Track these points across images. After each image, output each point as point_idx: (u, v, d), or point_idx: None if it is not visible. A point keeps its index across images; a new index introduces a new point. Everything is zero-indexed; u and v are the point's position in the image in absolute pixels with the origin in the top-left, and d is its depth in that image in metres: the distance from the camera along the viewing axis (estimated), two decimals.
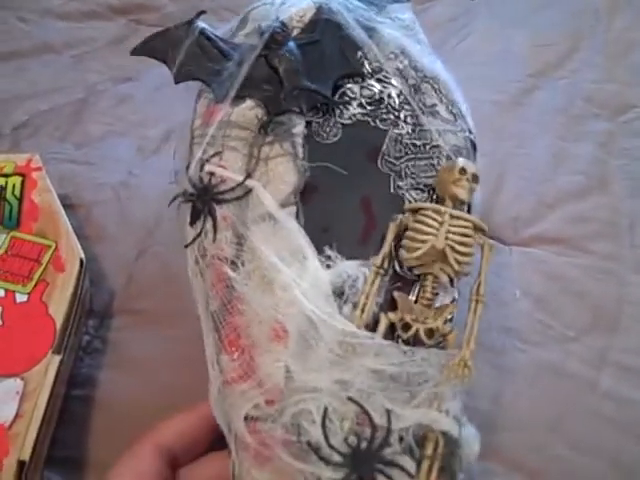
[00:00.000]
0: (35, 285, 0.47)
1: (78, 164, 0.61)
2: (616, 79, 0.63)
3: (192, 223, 0.41)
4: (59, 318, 0.45)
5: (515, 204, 0.57)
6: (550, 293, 0.53)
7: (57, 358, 0.44)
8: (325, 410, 0.34)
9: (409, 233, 0.38)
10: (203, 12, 0.45)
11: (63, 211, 0.50)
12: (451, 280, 0.39)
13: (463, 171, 0.39)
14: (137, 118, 0.64)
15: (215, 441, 0.41)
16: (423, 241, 0.37)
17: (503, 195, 0.57)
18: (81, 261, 0.48)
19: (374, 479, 0.34)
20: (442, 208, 0.38)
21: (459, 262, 0.38)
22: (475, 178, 0.39)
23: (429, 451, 0.35)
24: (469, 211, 0.41)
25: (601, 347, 0.50)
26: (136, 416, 0.44)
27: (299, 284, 0.37)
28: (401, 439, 0.35)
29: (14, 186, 0.51)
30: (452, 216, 0.38)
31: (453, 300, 0.39)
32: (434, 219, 0.38)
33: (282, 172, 0.40)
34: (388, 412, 0.35)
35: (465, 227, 0.38)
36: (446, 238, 0.38)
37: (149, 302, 0.54)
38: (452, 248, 0.37)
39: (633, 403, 0.48)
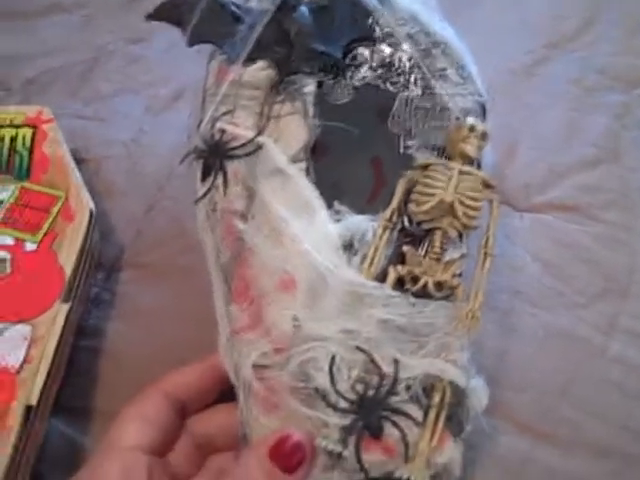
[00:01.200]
0: (45, 234, 0.48)
1: (88, 120, 0.63)
2: (632, 52, 0.64)
3: (203, 179, 0.42)
4: (68, 267, 0.47)
5: (527, 172, 0.58)
6: (561, 259, 0.53)
7: (65, 306, 0.46)
8: (333, 358, 0.36)
9: (418, 187, 0.39)
10: None
11: (73, 163, 0.52)
12: (460, 235, 0.40)
13: (472, 129, 0.40)
14: (148, 78, 0.65)
15: (223, 393, 0.42)
16: (432, 195, 0.38)
17: (515, 163, 0.58)
18: (90, 212, 0.49)
19: (381, 426, 0.35)
20: (451, 163, 0.39)
21: (468, 216, 0.39)
22: (484, 136, 0.40)
23: (436, 400, 0.36)
24: (479, 168, 0.42)
25: (611, 313, 0.51)
26: (143, 368, 0.46)
27: (308, 236, 0.38)
28: (408, 388, 0.36)
29: (24, 137, 0.52)
30: (461, 171, 0.39)
31: (462, 256, 0.40)
32: (443, 173, 0.39)
33: (293, 129, 0.42)
34: (396, 361, 0.36)
35: (474, 182, 0.39)
36: (455, 192, 0.38)
37: (157, 256, 0.55)
38: (461, 202, 0.38)
39: None
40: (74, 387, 0.49)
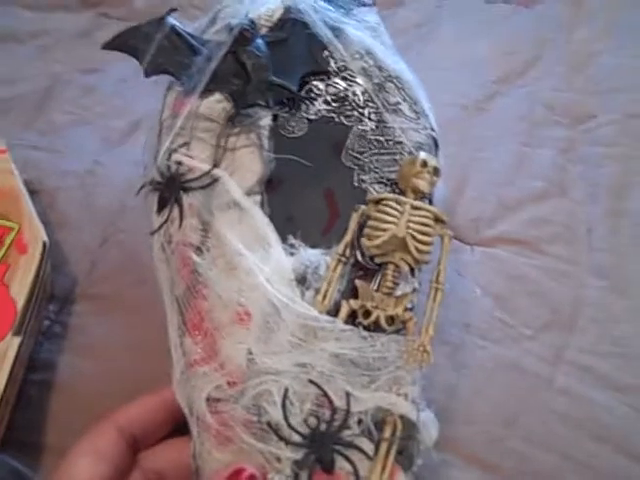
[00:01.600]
0: None
1: (42, 151, 0.62)
2: (577, 88, 0.66)
3: (159, 211, 0.42)
4: (20, 300, 0.46)
5: (477, 205, 0.59)
6: (509, 292, 0.55)
7: (17, 340, 0.45)
8: (286, 391, 0.36)
9: (371, 222, 0.40)
10: (174, 9, 0.46)
11: (27, 194, 0.51)
12: (412, 270, 0.41)
13: (424, 164, 0.41)
14: (103, 109, 0.65)
15: (176, 427, 0.42)
16: (384, 229, 0.39)
17: (465, 197, 0.59)
18: (44, 244, 0.49)
19: (332, 460, 0.35)
20: (403, 198, 0.40)
21: (419, 250, 0.39)
22: (436, 171, 0.41)
23: (387, 434, 0.37)
24: (430, 203, 0.43)
25: (558, 346, 0.52)
26: (95, 401, 0.45)
27: (262, 269, 0.38)
28: (360, 422, 0.37)
29: None
30: (413, 206, 0.40)
31: (414, 290, 0.41)
32: (395, 209, 0.40)
33: (248, 162, 0.42)
34: (348, 395, 0.36)
35: (426, 217, 0.40)
36: (407, 227, 0.39)
37: (111, 288, 0.55)
38: (413, 237, 0.39)
39: (586, 400, 0.50)
40: (25, 421, 0.48)
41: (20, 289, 0.47)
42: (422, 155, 0.41)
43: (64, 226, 0.58)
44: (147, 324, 0.46)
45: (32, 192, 0.55)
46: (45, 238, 0.49)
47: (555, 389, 0.50)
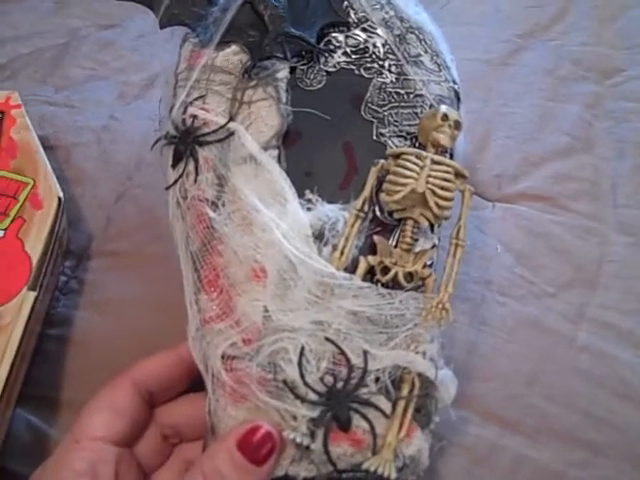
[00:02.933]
0: (12, 221, 0.47)
1: (58, 106, 0.61)
2: (604, 42, 0.64)
3: (174, 165, 0.41)
4: (35, 255, 0.45)
5: (499, 161, 0.57)
6: (531, 249, 0.53)
7: (32, 294, 0.44)
8: (302, 349, 0.35)
9: (390, 177, 0.38)
10: None
11: (42, 149, 0.50)
12: (432, 226, 0.39)
13: (445, 117, 0.39)
14: (120, 64, 0.64)
15: (192, 383, 0.41)
16: (404, 184, 0.37)
17: (488, 153, 0.58)
18: (59, 199, 0.48)
19: (349, 418, 0.34)
20: (424, 153, 0.38)
21: (439, 206, 0.38)
22: (457, 125, 0.39)
23: (405, 392, 0.36)
24: (451, 158, 0.41)
25: (580, 303, 0.51)
26: (111, 356, 0.44)
27: (279, 225, 0.37)
28: (377, 380, 0.35)
29: None
30: (433, 161, 0.38)
31: (433, 246, 0.39)
32: (415, 163, 0.38)
33: (265, 115, 0.40)
34: (365, 353, 0.35)
35: (446, 172, 0.38)
36: (427, 182, 0.37)
37: (127, 244, 0.54)
38: (433, 192, 0.37)
39: (608, 357, 0.48)
40: (41, 376, 0.48)
41: (35, 244, 0.46)
42: (443, 108, 0.40)
43: (80, 182, 0.57)
44: (163, 280, 0.46)
45: (48, 148, 0.54)
46: (60, 194, 0.48)
47: (577, 347, 0.49)
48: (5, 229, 0.46)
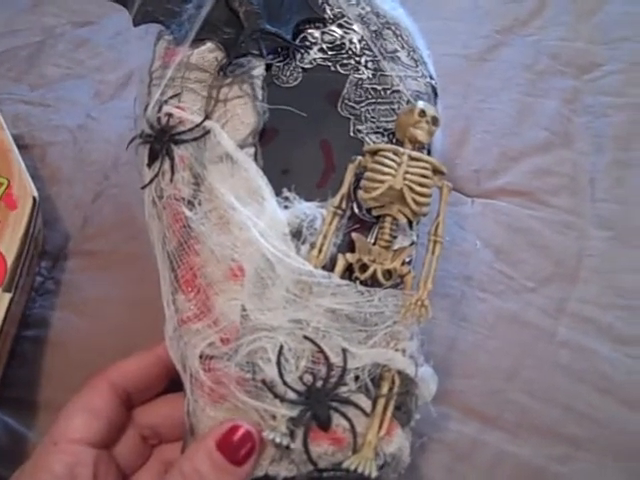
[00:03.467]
0: None
1: (33, 105, 0.60)
2: (582, 38, 0.63)
3: (150, 164, 0.40)
4: (10, 256, 0.44)
5: (478, 157, 0.57)
6: (511, 244, 0.53)
7: (7, 296, 0.43)
8: (280, 348, 0.34)
9: (367, 174, 0.38)
10: None
11: (16, 149, 0.49)
12: (410, 223, 0.39)
13: (422, 113, 0.39)
14: (96, 63, 0.63)
15: (170, 384, 0.41)
16: (381, 181, 0.37)
17: (467, 148, 0.57)
18: (34, 199, 0.47)
19: (329, 417, 0.34)
20: (401, 149, 0.38)
21: (417, 202, 0.37)
22: (435, 120, 0.39)
23: (385, 390, 0.35)
24: (429, 154, 0.41)
25: (560, 298, 0.50)
26: (89, 356, 0.44)
27: (256, 223, 0.36)
28: (357, 378, 0.35)
29: None
30: (411, 157, 0.38)
31: (412, 243, 0.39)
32: (392, 160, 0.37)
33: (240, 113, 0.40)
34: (344, 351, 0.35)
35: (424, 168, 0.38)
36: (404, 179, 0.37)
37: (104, 244, 0.53)
38: (410, 188, 0.37)
39: (588, 352, 0.48)
40: (19, 377, 0.47)
41: (10, 245, 0.45)
42: (420, 104, 0.39)
43: (56, 181, 0.56)
44: (140, 279, 0.45)
45: (23, 147, 0.53)
46: (35, 193, 0.47)
47: (557, 342, 0.49)
48: None
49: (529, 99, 0.59)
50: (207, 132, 0.39)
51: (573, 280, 0.51)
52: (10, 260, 0.44)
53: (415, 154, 0.38)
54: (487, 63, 0.62)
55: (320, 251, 0.36)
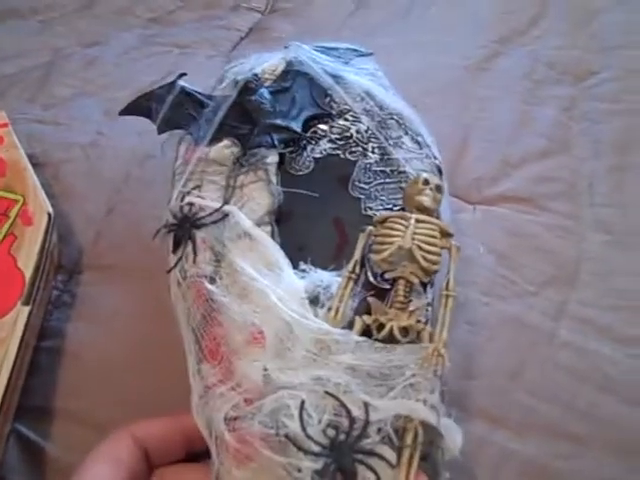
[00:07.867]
0: (3, 238, 0.44)
1: (46, 124, 0.57)
2: (579, 46, 0.59)
3: (174, 251, 0.39)
4: (28, 271, 0.43)
5: (479, 165, 0.53)
6: (512, 249, 0.49)
7: (26, 309, 0.42)
8: (302, 403, 0.32)
9: (378, 238, 0.36)
10: (184, 74, 0.44)
11: (30, 167, 0.47)
12: (424, 285, 0.37)
13: (426, 182, 0.37)
14: (105, 81, 0.59)
15: (187, 456, 0.37)
16: (390, 242, 0.35)
17: (467, 157, 0.53)
18: (49, 215, 0.45)
19: (354, 469, 0.31)
20: (408, 214, 0.36)
21: (427, 260, 0.35)
22: (439, 188, 0.38)
23: (409, 441, 0.32)
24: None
25: (560, 300, 0.47)
26: (103, 367, 0.42)
27: (275, 290, 0.35)
28: (379, 430, 0.32)
29: None
30: (418, 220, 0.36)
31: (427, 304, 0.36)
32: (400, 223, 0.36)
33: (256, 195, 0.39)
34: (365, 404, 0.32)
35: (431, 229, 0.36)
36: (413, 238, 0.35)
37: (117, 258, 0.51)
38: (419, 247, 0.35)
39: (588, 352, 0.45)
40: (35, 387, 0.44)
41: (27, 260, 0.43)
42: (423, 174, 0.38)
43: (69, 198, 0.53)
44: (153, 292, 0.42)
45: (37, 165, 0.51)
46: (50, 209, 0.46)
47: (558, 343, 0.46)
48: None
49: (527, 107, 0.56)
50: (226, 215, 0.38)
51: (573, 283, 0.48)
52: (28, 274, 0.42)
53: (422, 217, 0.36)
54: (486, 73, 0.58)
55: (337, 312, 0.35)
